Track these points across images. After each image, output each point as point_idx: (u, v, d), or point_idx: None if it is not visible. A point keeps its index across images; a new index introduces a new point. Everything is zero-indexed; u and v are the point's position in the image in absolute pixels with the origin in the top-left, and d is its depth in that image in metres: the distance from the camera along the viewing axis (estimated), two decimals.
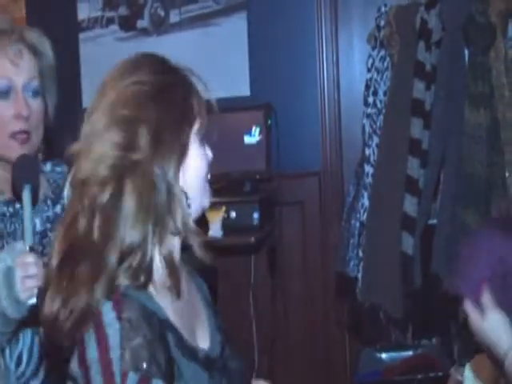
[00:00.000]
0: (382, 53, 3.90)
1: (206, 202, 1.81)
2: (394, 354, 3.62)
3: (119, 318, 1.57)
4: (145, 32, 5.09)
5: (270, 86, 4.78)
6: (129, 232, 1.59)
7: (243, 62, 4.79)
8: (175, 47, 4.91)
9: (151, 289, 1.67)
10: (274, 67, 4.79)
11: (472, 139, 3.65)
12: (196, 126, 1.76)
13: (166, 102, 1.69)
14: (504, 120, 3.69)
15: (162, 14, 5.06)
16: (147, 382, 1.55)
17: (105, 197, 1.60)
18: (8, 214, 2.15)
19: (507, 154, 3.69)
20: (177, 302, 1.73)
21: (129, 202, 1.60)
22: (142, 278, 1.63)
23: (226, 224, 4.20)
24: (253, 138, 4.57)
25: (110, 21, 5.13)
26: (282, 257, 4.75)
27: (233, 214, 4.25)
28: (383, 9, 3.87)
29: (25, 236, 1.98)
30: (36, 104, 2.16)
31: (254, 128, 4.57)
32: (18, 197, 2.09)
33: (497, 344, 2.04)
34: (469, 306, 2.10)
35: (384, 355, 3.63)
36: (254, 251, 4.61)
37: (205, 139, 1.80)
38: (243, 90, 4.80)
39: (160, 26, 5.06)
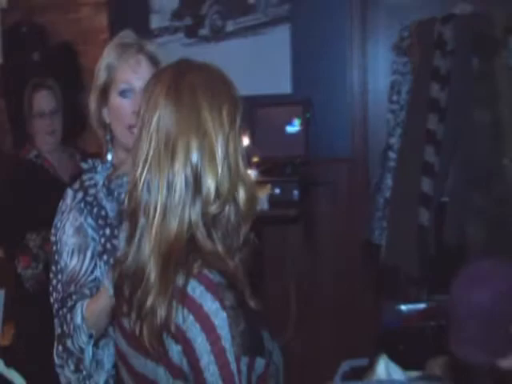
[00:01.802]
0: (405, 59, 3.91)
1: None
2: (411, 307, 3.61)
3: (223, 308, 1.47)
4: (205, 39, 5.06)
5: (308, 85, 4.76)
6: None
7: (286, 65, 4.76)
8: (230, 52, 4.96)
9: None
10: (311, 69, 4.78)
11: (478, 132, 3.69)
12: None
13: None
14: (504, 117, 3.71)
15: (220, 24, 5.03)
16: (253, 362, 1.49)
17: None
18: None
19: (506, 145, 3.71)
20: None
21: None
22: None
23: (272, 199, 4.23)
24: (294, 128, 4.59)
25: (176, 29, 5.12)
26: (316, 227, 4.79)
27: (277, 191, 4.27)
28: (406, 23, 3.89)
29: None
30: None
31: (294, 120, 4.59)
32: None
33: None
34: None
35: (404, 307, 3.63)
36: (294, 222, 4.63)
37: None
38: (286, 88, 4.82)
39: (218, 34, 5.04)
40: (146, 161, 1.58)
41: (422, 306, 3.62)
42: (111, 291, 1.89)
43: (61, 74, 4.90)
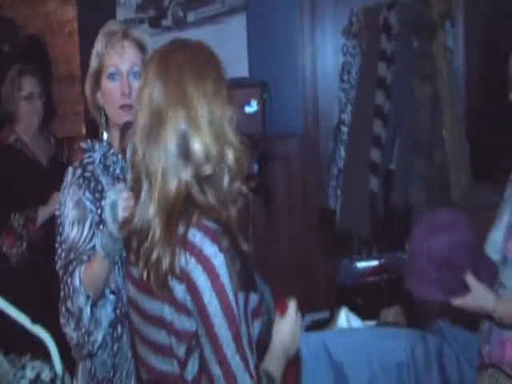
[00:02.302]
0: (354, 42, 3.96)
1: None
2: (365, 264, 3.63)
3: (221, 250, 1.57)
4: (168, 29, 5.13)
5: (263, 69, 4.86)
6: None
7: (243, 50, 4.86)
8: None
9: None
10: (266, 54, 4.87)
11: (420, 106, 3.75)
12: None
13: None
14: (442, 92, 3.80)
15: (182, 15, 5.11)
16: (248, 297, 1.60)
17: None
18: (126, 167, 2.17)
19: (444, 118, 3.80)
20: None
21: None
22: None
23: None
24: (252, 108, 4.66)
25: (141, 21, 5.18)
26: (273, 197, 4.87)
27: None
28: (355, 9, 3.95)
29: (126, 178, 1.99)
30: (137, 83, 2.14)
31: (252, 101, 4.67)
32: (123, 150, 2.11)
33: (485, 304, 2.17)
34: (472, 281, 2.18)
35: (358, 265, 3.65)
36: (255, 193, 4.70)
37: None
38: (243, 72, 4.88)
39: (180, 24, 5.11)
40: (143, 132, 1.69)
41: (374, 262, 3.68)
42: (103, 254, 2.02)
43: (30, 65, 4.88)
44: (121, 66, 2.22)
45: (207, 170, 1.66)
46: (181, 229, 1.63)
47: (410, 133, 3.79)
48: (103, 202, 2.15)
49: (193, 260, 1.59)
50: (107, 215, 1.97)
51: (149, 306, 1.74)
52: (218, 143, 1.67)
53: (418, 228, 2.29)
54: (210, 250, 1.58)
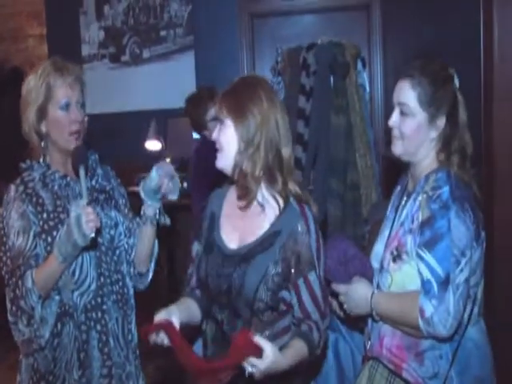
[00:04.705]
0: (279, 79, 4.03)
1: None
2: None
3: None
4: (126, 64, 5.24)
5: None
6: None
7: (192, 83, 4.93)
8: (147, 74, 5.17)
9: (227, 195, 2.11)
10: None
11: (335, 134, 3.83)
12: None
13: None
14: (355, 122, 3.91)
15: (138, 51, 5.22)
16: (193, 241, 2.12)
17: None
18: (63, 184, 2.24)
19: (356, 144, 3.90)
20: (236, 212, 2.03)
21: None
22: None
23: (181, 191, 4.20)
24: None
25: (103, 56, 5.28)
26: None
27: (185, 184, 4.35)
28: (279, 50, 4.04)
29: (83, 196, 2.06)
30: (82, 113, 2.24)
31: None
32: (76, 172, 2.16)
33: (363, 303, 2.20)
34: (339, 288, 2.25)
35: None
36: None
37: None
38: None
39: (137, 60, 5.23)
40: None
41: None
42: (61, 259, 2.07)
43: (12, 93, 4.93)
44: (72, 97, 2.23)
45: None
46: None
47: (326, 157, 3.85)
48: (44, 215, 2.19)
49: None
50: (73, 227, 2.02)
51: None
52: None
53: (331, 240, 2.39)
54: None
